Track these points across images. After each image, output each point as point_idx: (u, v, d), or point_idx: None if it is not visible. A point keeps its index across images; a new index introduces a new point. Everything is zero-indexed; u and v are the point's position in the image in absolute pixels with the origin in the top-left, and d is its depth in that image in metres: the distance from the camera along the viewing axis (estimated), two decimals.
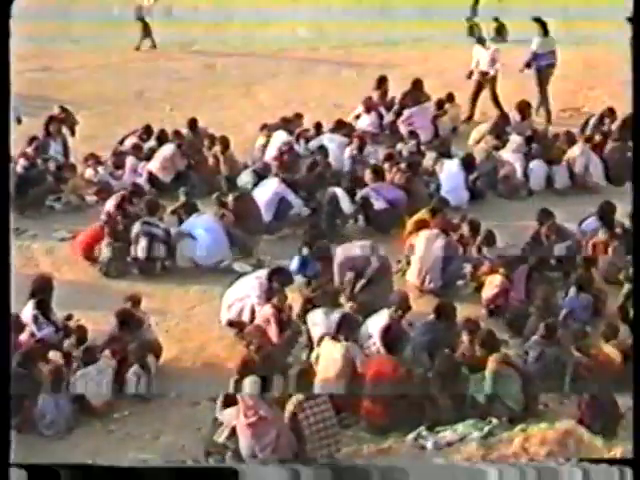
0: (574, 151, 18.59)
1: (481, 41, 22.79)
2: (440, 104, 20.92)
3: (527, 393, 11.86)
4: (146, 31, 27.27)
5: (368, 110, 20.30)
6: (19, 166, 17.21)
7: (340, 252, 14.40)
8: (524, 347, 12.79)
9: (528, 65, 21.47)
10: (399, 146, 18.95)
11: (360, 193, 16.80)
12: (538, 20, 21.90)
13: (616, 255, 14.89)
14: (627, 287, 14.02)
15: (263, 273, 13.63)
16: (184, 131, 19.04)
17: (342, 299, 13.80)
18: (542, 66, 21.48)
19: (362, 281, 14.02)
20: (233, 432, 10.76)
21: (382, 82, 21.25)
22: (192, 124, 19.17)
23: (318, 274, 14.36)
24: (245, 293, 13.50)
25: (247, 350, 12.00)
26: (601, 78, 23.76)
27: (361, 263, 14.17)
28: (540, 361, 12.44)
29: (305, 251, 14.80)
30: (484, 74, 21.53)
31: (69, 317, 13.07)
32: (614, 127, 19.66)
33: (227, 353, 13.05)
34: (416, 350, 12.47)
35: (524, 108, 20.02)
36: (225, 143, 18.45)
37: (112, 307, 13.31)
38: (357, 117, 20.23)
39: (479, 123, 20.70)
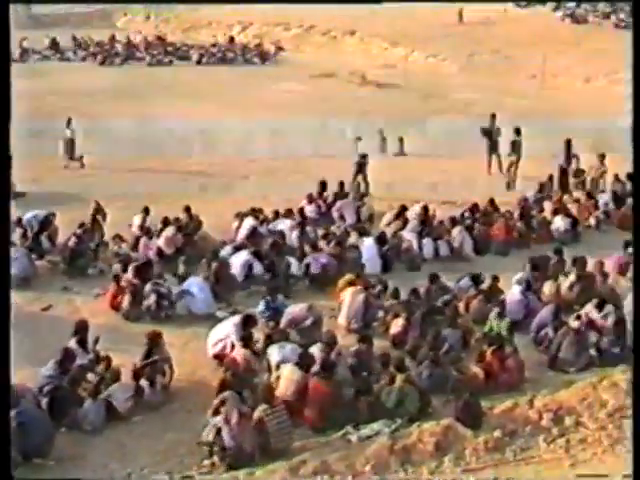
0: (454, 231, 18.96)
1: None
2: (361, 197, 21.26)
3: (422, 400, 12.18)
4: None
5: (310, 202, 20.57)
6: (71, 242, 17.36)
7: (288, 311, 14.66)
8: (419, 369, 13.04)
9: None
10: (333, 228, 19.22)
11: (304, 261, 17.11)
12: None
13: (481, 304, 15.32)
14: (488, 325, 14.50)
15: (238, 319, 13.84)
16: (182, 216, 19.07)
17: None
18: None
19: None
20: (218, 432, 10.98)
21: (322, 185, 21.61)
22: (187, 211, 19.22)
23: (277, 314, 14.67)
24: (225, 333, 13.68)
25: (225, 374, 12.29)
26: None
27: (300, 319, 14.42)
28: (430, 378, 12.80)
29: (267, 301, 15.11)
30: None
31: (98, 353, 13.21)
32: (478, 216, 20.08)
33: (211, 376, 13.06)
34: (345, 372, 12.69)
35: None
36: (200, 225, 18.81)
37: (131, 342, 13.64)
38: (302, 208, 20.22)
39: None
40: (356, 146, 23.57)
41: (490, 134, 25.01)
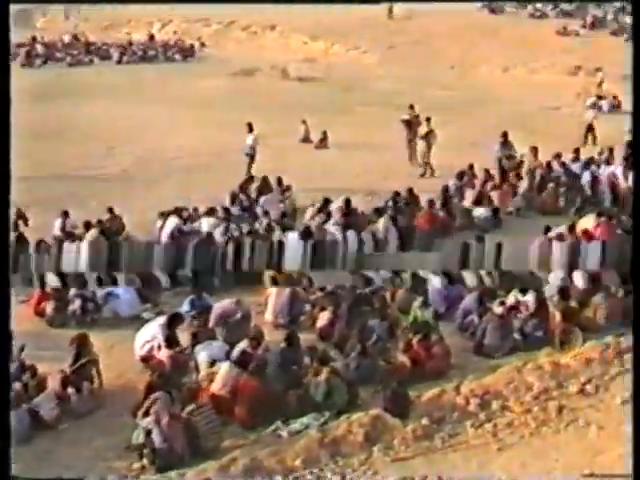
0: (379, 222, 19.02)
1: None
2: (283, 192, 21.22)
3: (350, 392, 12.21)
4: None
5: (233, 199, 20.43)
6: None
7: (216, 306, 14.58)
8: (346, 361, 13.03)
9: None
10: (256, 224, 19.10)
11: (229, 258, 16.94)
12: None
13: (407, 294, 15.42)
14: (412, 315, 14.59)
15: (163, 319, 13.69)
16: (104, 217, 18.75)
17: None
18: None
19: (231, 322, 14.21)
20: (148, 434, 10.88)
21: (246, 181, 21.48)
22: (110, 212, 18.96)
23: (203, 312, 14.55)
24: (152, 335, 13.52)
25: (152, 376, 12.18)
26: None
27: (229, 313, 14.38)
28: (358, 370, 12.81)
29: (193, 300, 14.97)
30: None
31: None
32: (404, 207, 20.16)
33: (139, 379, 12.86)
34: (273, 367, 12.68)
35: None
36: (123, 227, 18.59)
37: (56, 348, 13.39)
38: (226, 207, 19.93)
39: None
40: (253, 140, 23.38)
41: (410, 124, 25.11)
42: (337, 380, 12.12)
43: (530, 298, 14.90)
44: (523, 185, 22.15)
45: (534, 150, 23.55)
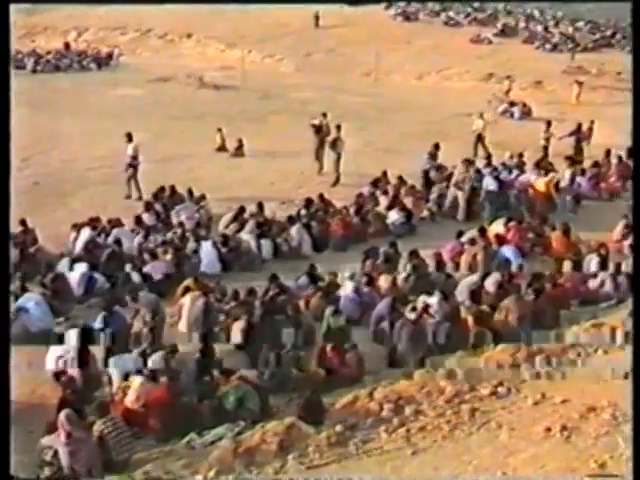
0: (292, 230, 19.00)
1: None
2: (198, 201, 21.04)
3: (263, 401, 12.18)
4: None
5: (148, 209, 20.18)
6: None
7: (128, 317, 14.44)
8: (261, 370, 13.01)
9: None
10: (171, 233, 18.90)
11: (144, 269, 16.81)
12: None
13: (320, 301, 15.41)
14: (325, 322, 14.59)
15: (75, 333, 13.44)
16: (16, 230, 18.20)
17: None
18: None
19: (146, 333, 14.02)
20: (55, 452, 10.68)
21: (160, 190, 21.27)
22: (22, 225, 18.59)
23: (117, 329, 14.25)
24: (64, 349, 13.27)
25: (64, 392, 11.95)
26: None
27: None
28: (272, 379, 12.80)
29: (105, 315, 14.73)
30: None
31: None
32: (320, 213, 20.21)
33: (52, 394, 12.57)
34: (187, 380, 12.59)
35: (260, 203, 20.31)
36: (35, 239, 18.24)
37: None
38: (139, 216, 19.75)
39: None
40: (134, 150, 23.02)
41: (319, 130, 25.10)
42: (248, 387, 12.06)
43: (435, 300, 15.00)
44: (435, 191, 22.25)
45: (467, 162, 23.73)
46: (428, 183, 22.78)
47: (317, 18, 57.64)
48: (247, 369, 13.14)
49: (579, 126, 28.05)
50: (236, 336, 14.31)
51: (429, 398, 12.43)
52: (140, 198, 22.07)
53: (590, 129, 29.36)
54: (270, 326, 14.17)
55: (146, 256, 17.39)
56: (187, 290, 15.44)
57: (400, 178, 22.75)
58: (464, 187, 21.60)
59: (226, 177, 24.38)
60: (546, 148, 27.28)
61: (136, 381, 12.11)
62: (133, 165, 22.74)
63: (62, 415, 10.92)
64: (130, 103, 35.92)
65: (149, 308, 14.51)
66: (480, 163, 23.74)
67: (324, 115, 25.64)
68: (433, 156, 23.90)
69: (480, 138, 27.67)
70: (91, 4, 58.29)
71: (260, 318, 14.39)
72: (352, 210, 20.36)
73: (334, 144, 24.43)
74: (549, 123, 27.90)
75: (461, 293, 15.88)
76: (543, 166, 23.66)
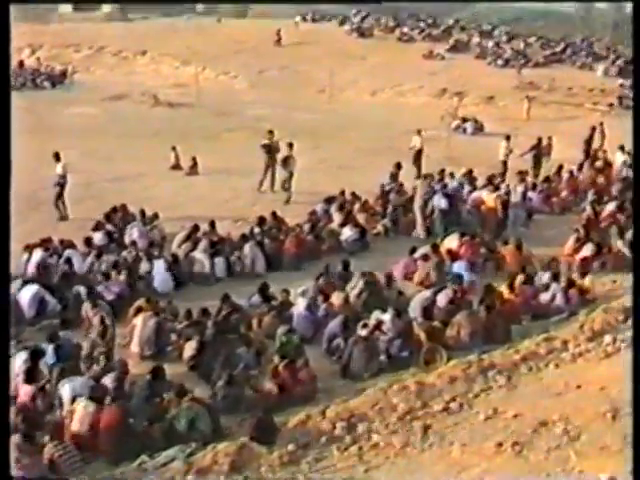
0: (245, 248, 18.92)
1: None
2: (151, 220, 20.77)
3: (215, 422, 12.09)
4: None
5: (99, 229, 19.94)
6: None
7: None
8: (214, 390, 12.91)
9: None
10: (124, 253, 18.75)
11: (97, 290, 16.59)
12: None
13: (273, 320, 15.35)
14: (278, 341, 14.52)
15: (25, 356, 13.24)
16: None
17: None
18: None
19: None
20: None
21: (114, 211, 21.11)
22: None
23: (67, 351, 14.08)
24: (15, 373, 13.04)
25: (15, 417, 11.76)
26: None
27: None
28: (225, 399, 12.70)
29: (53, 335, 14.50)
30: None
31: None
32: (274, 231, 20.16)
33: None
34: (139, 402, 12.48)
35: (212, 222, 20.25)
36: None
37: None
38: (89, 237, 19.48)
39: None
40: (63, 169, 22.64)
41: (269, 149, 25.08)
42: (200, 408, 11.95)
43: (388, 317, 15.03)
44: (390, 208, 22.28)
45: (424, 177, 23.83)
46: (384, 199, 22.77)
47: (279, 35, 57.71)
48: (200, 389, 13.03)
49: (539, 141, 28.35)
50: (188, 356, 14.21)
51: (381, 415, 12.46)
52: (63, 218, 21.94)
53: (549, 145, 29.73)
54: (223, 346, 14.05)
55: (99, 277, 17.20)
56: (139, 310, 15.29)
57: (354, 194, 22.79)
58: (422, 204, 21.71)
59: (180, 195, 24.27)
60: (505, 163, 27.51)
61: (80, 405, 11.95)
62: (60, 184, 22.45)
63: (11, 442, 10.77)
64: (84, 122, 35.68)
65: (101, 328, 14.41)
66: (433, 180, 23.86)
67: (271, 132, 25.50)
68: (394, 176, 23.94)
69: (419, 155, 27.38)
70: (91, 4, 58.02)
71: (212, 338, 14.29)
72: (306, 227, 20.33)
73: (285, 162, 24.34)
74: (508, 138, 28.13)
75: (414, 309, 15.93)
76: (495, 181, 23.78)
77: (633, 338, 10.02)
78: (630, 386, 9.41)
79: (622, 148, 27.77)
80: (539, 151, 28.15)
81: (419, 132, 27.66)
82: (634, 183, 10.36)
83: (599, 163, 28.12)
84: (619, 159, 27.50)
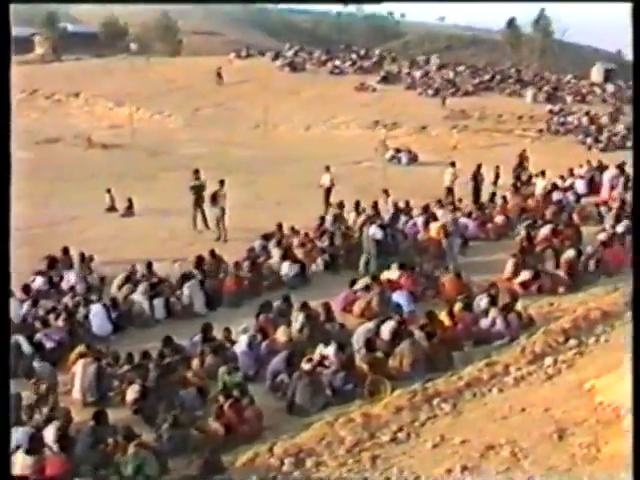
0: (184, 288, 18.78)
1: None
2: (88, 264, 20.46)
3: (162, 465, 11.96)
4: None
5: (37, 276, 19.62)
6: None
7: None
8: (159, 433, 12.76)
9: None
10: (65, 299, 18.46)
11: (35, 338, 16.30)
12: None
13: (216, 359, 15.20)
14: (221, 380, 14.42)
15: None
16: None
17: None
18: None
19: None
20: None
21: (51, 260, 20.74)
22: None
23: None
24: None
25: None
26: None
27: None
28: (171, 441, 12.58)
29: None
30: None
31: None
32: (212, 270, 20.07)
33: None
34: (83, 449, 12.29)
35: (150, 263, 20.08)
36: None
37: None
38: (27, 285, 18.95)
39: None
40: None
41: (197, 189, 24.98)
42: (146, 453, 11.82)
43: (331, 351, 15.04)
44: (325, 241, 22.28)
45: (360, 209, 23.85)
46: (323, 233, 22.78)
47: (220, 73, 57.80)
48: (145, 432, 12.83)
49: (478, 167, 28.78)
50: (131, 400, 14.03)
51: (329, 449, 12.45)
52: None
53: (497, 175, 30.27)
54: (165, 388, 13.93)
55: (37, 324, 16.90)
56: (80, 356, 15.07)
57: (293, 229, 22.80)
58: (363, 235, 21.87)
59: (117, 238, 24.07)
60: (451, 189, 27.82)
61: (19, 457, 11.73)
62: None
63: None
64: (18, 167, 34.82)
65: (42, 378, 14.16)
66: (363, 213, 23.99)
67: (197, 172, 25.37)
68: (337, 217, 23.96)
69: (328, 193, 27.16)
70: (90, 4, 57.56)
71: (155, 381, 14.14)
72: (245, 265, 20.25)
73: (214, 199, 24.23)
74: (453, 164, 28.48)
75: (357, 341, 15.94)
76: (431, 211, 23.94)
77: (633, 338, 10.08)
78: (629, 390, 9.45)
79: (543, 173, 28.40)
80: (477, 178, 28.60)
81: (328, 169, 27.46)
82: (634, 183, 10.63)
83: (531, 188, 28.65)
84: (539, 184, 27.97)
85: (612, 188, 28.34)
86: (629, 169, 31.95)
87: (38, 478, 11.51)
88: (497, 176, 30.31)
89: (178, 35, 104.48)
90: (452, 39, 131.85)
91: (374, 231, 21.50)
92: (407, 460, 12.04)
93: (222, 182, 24.44)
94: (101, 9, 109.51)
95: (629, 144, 41.62)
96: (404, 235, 22.70)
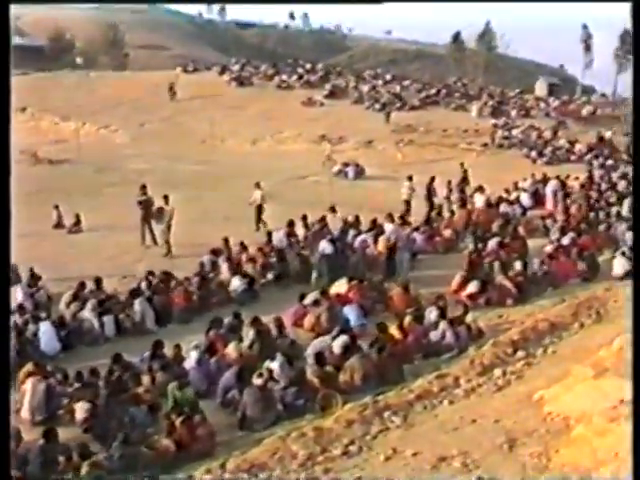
0: (135, 305, 18.49)
1: None
2: (35, 282, 20.19)
3: None
4: None
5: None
6: None
7: None
8: (110, 452, 12.57)
9: None
10: (14, 317, 17.86)
11: None
12: None
13: (166, 375, 15.02)
14: (171, 397, 14.34)
15: None
16: None
17: None
18: None
19: None
20: None
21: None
22: None
23: None
24: None
25: None
26: None
27: None
28: (122, 459, 12.41)
29: None
30: None
31: None
32: (162, 286, 19.99)
33: None
34: (34, 469, 12.16)
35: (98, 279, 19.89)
36: None
37: None
38: None
39: None
40: None
41: (144, 205, 24.78)
42: (98, 472, 11.78)
43: (277, 365, 15.07)
44: (274, 257, 22.32)
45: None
46: (272, 248, 22.77)
47: (172, 88, 57.48)
48: (95, 451, 12.74)
49: (432, 180, 29.09)
50: (81, 418, 13.89)
51: (282, 463, 12.42)
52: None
53: (450, 189, 30.55)
54: (116, 406, 13.82)
55: None
56: (29, 375, 14.85)
57: (242, 244, 22.76)
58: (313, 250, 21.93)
59: (65, 254, 23.78)
60: (408, 202, 28.04)
61: None
62: None
63: None
64: None
65: None
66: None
67: (144, 187, 25.23)
68: (290, 235, 23.97)
69: (260, 209, 26.82)
70: (90, 4, 56.80)
71: (105, 398, 14.03)
72: (194, 280, 20.18)
73: (159, 214, 24.14)
74: (410, 178, 28.70)
75: (310, 356, 15.94)
76: (380, 225, 24.05)
77: (633, 339, 10.25)
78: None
79: (481, 188, 28.64)
80: (431, 190, 28.93)
81: (258, 185, 27.15)
82: (634, 184, 10.63)
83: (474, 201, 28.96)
84: (479, 200, 28.22)
85: (555, 200, 28.85)
86: (571, 182, 32.71)
87: None
88: (450, 190, 30.62)
89: (124, 49, 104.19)
90: (397, 53, 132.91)
91: (324, 246, 21.59)
92: (359, 473, 12.02)
93: (166, 197, 24.32)
94: (47, 22, 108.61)
95: (573, 157, 42.44)
96: (352, 250, 22.78)
